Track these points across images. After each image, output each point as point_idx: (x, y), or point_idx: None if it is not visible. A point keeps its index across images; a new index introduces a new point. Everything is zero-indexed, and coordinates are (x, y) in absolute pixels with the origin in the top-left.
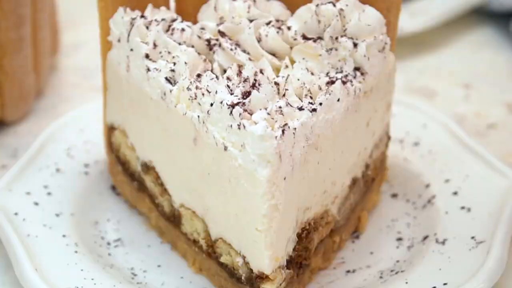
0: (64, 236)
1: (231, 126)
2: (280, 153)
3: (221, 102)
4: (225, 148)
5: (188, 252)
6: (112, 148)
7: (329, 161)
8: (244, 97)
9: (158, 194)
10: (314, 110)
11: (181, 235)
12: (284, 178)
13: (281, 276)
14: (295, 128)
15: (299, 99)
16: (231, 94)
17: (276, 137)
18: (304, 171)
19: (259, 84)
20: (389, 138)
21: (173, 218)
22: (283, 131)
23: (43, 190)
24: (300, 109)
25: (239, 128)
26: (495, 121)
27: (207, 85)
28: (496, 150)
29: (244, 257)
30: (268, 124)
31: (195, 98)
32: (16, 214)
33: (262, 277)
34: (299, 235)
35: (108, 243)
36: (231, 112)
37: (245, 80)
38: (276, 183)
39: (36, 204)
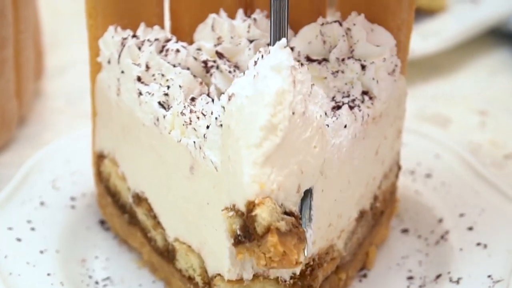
0: (48, 274)
1: None
2: None
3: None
4: None
5: None
6: (101, 178)
7: (334, 191)
8: None
9: (150, 228)
10: None
11: (176, 271)
12: None
13: None
14: None
15: None
16: None
17: None
18: None
19: None
20: (399, 167)
21: (167, 253)
22: None
23: (26, 225)
24: None
25: None
26: None
27: (202, 109)
28: None
29: None
30: None
31: (190, 123)
32: None
33: None
34: (302, 272)
35: (96, 282)
36: None
37: None
38: None
39: (19, 240)
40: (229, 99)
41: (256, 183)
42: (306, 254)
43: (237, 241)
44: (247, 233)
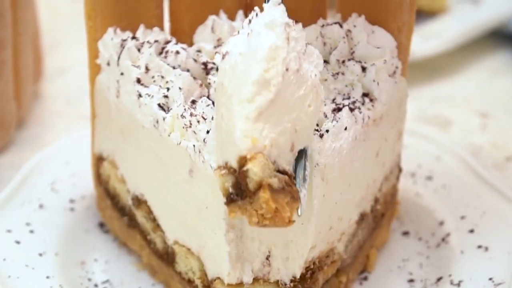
0: (48, 277)
1: None
2: None
3: None
4: None
5: None
6: (100, 180)
7: (335, 194)
8: None
9: (150, 230)
10: (321, 135)
11: (175, 274)
12: None
13: None
14: None
15: None
16: None
17: None
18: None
19: None
20: (400, 170)
21: (166, 256)
22: None
23: (25, 228)
24: None
25: None
26: None
27: (203, 112)
28: None
29: None
30: None
31: (190, 126)
32: None
33: None
34: (303, 275)
35: (96, 285)
36: None
37: None
38: None
39: (18, 242)
40: (223, 58)
41: (248, 138)
42: (299, 214)
43: (230, 200)
44: (239, 190)
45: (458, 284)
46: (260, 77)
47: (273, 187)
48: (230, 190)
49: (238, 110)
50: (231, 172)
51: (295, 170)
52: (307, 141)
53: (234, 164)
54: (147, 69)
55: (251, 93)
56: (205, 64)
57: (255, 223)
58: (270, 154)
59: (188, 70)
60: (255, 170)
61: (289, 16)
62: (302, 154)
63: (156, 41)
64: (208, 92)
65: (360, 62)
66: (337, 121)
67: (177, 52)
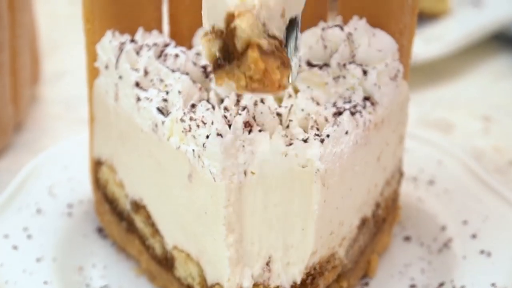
0: (45, 283)
1: None
2: None
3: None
4: None
5: None
6: (98, 184)
7: (336, 199)
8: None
9: (149, 235)
10: (322, 141)
11: (174, 280)
12: None
13: None
14: None
15: (304, 131)
16: (229, 125)
17: None
18: None
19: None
20: (401, 174)
21: (166, 261)
22: None
23: (22, 233)
24: (305, 141)
25: None
26: None
27: (202, 116)
28: None
29: None
30: None
31: (189, 131)
32: None
33: None
34: (303, 281)
35: None
36: None
37: (244, 108)
38: None
39: (15, 248)
40: None
41: None
42: (290, 82)
43: (216, 66)
44: (226, 54)
45: None
46: None
47: (263, 49)
48: (217, 54)
49: None
50: (218, 36)
51: (286, 41)
52: (298, 8)
53: (221, 24)
54: (146, 72)
55: None
56: (204, 67)
57: (243, 87)
58: (259, 15)
59: (187, 74)
60: (243, 27)
61: None
62: (293, 25)
63: (155, 44)
64: (208, 95)
65: (361, 65)
66: (338, 125)
67: (176, 55)
